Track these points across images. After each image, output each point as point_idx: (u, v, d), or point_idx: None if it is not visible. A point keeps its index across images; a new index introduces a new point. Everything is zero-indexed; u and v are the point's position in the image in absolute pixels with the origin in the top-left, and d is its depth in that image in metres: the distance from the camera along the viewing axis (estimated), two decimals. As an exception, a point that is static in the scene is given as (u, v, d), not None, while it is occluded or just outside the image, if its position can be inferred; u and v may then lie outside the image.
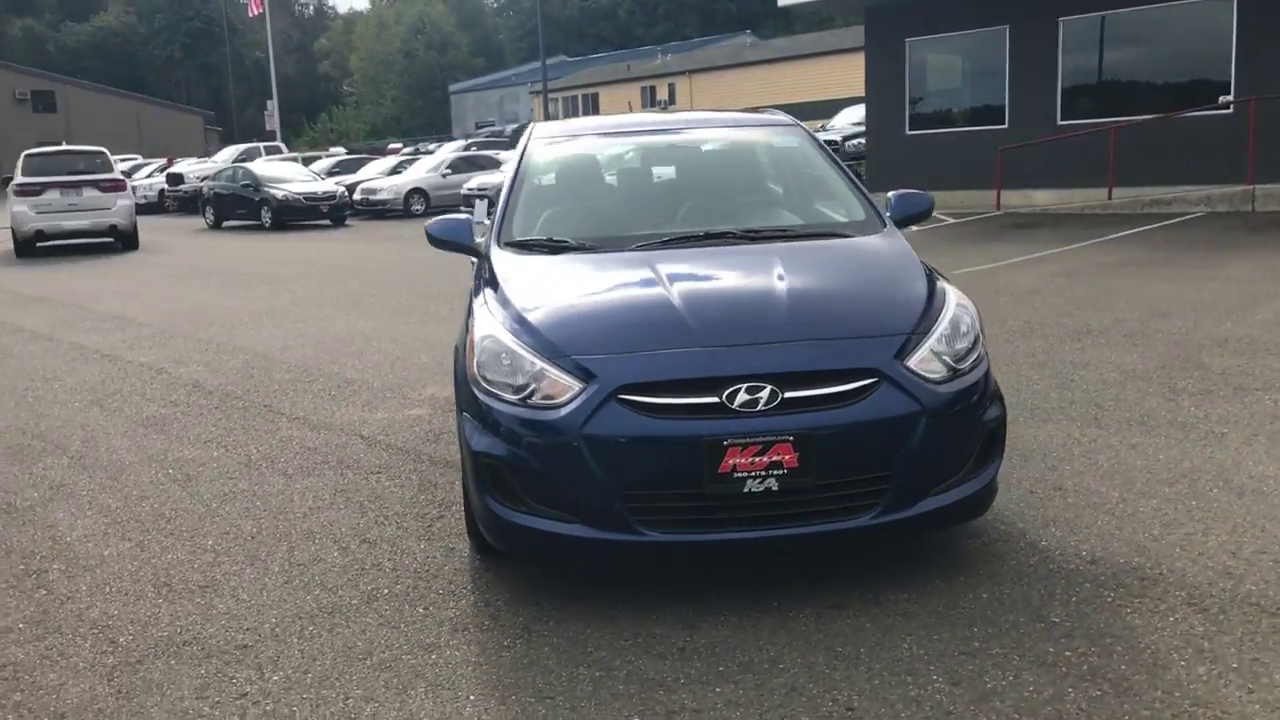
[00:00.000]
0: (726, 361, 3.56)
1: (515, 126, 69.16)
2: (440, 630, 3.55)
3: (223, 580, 4.05)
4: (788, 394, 3.47)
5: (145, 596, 3.93)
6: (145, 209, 29.00)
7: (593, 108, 58.77)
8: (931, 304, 3.92)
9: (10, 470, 5.71)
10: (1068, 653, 3.20)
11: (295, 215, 24.60)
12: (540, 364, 3.61)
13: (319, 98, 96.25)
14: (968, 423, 3.70)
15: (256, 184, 25.18)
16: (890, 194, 4.92)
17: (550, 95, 63.84)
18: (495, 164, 26.91)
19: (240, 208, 25.67)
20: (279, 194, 24.45)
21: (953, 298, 4.00)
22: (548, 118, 62.43)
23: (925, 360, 3.68)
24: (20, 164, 19.05)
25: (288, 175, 26.21)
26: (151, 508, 4.97)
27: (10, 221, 18.88)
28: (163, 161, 37.89)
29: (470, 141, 37.61)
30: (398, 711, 3.04)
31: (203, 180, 28.99)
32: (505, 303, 4.01)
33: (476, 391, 3.71)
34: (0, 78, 61.43)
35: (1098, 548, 3.93)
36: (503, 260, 4.44)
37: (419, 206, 26.97)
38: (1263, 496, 4.38)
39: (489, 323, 3.91)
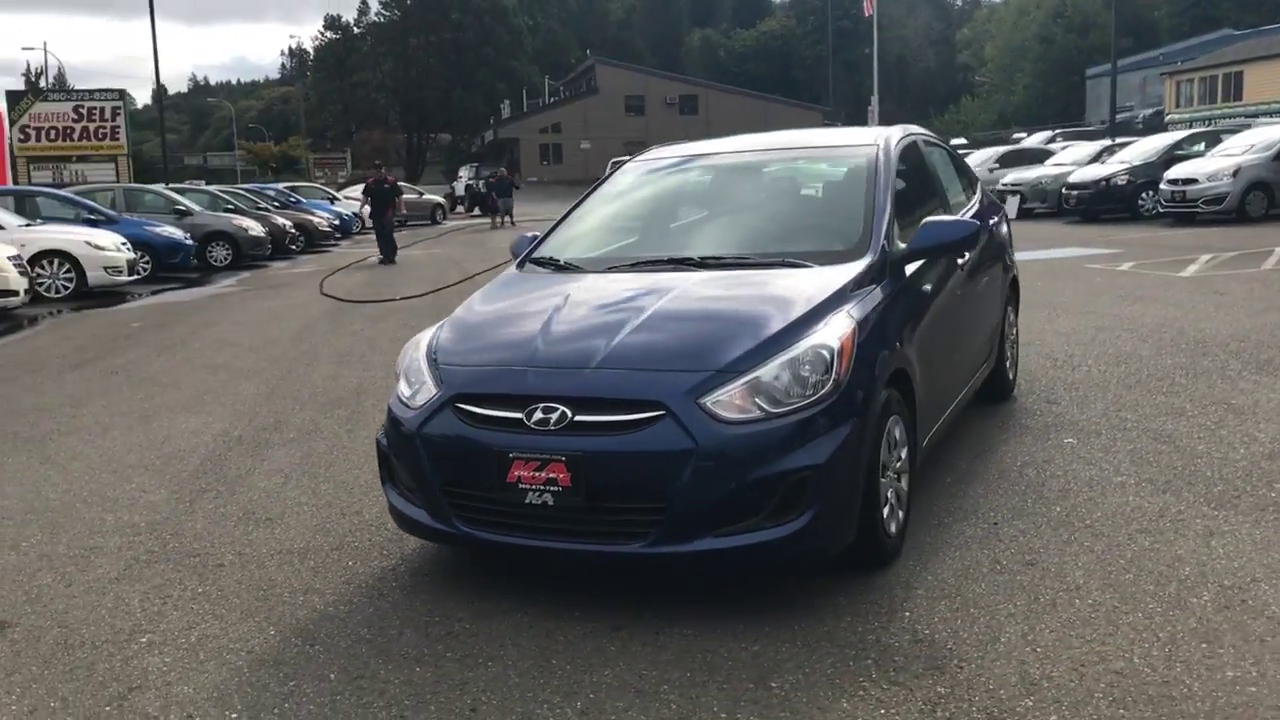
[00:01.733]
0: (538, 382, 3.69)
1: (1152, 111, 63.48)
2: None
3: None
4: (577, 417, 3.52)
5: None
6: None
7: (1235, 90, 51.95)
8: (775, 344, 3.61)
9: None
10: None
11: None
12: (425, 372, 4.01)
13: (955, 89, 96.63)
14: (759, 468, 3.39)
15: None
16: (925, 220, 4.46)
17: (1184, 76, 57.56)
18: (1045, 156, 25.42)
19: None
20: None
21: (818, 340, 3.62)
22: (1179, 103, 56.46)
23: (730, 399, 3.45)
24: (608, 168, 22.62)
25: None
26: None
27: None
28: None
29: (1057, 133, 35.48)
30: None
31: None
32: (452, 315, 4.46)
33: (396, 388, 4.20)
34: (655, 85, 70.91)
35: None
36: (498, 277, 4.83)
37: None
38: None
39: (427, 333, 4.35)
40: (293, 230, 23.50)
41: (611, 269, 4.54)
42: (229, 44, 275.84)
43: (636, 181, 5.52)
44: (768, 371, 3.53)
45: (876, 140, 4.98)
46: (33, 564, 4.42)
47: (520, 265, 4.88)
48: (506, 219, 32.24)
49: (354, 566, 4.24)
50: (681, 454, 3.40)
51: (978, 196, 6.15)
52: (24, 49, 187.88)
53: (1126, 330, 8.39)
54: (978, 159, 27.55)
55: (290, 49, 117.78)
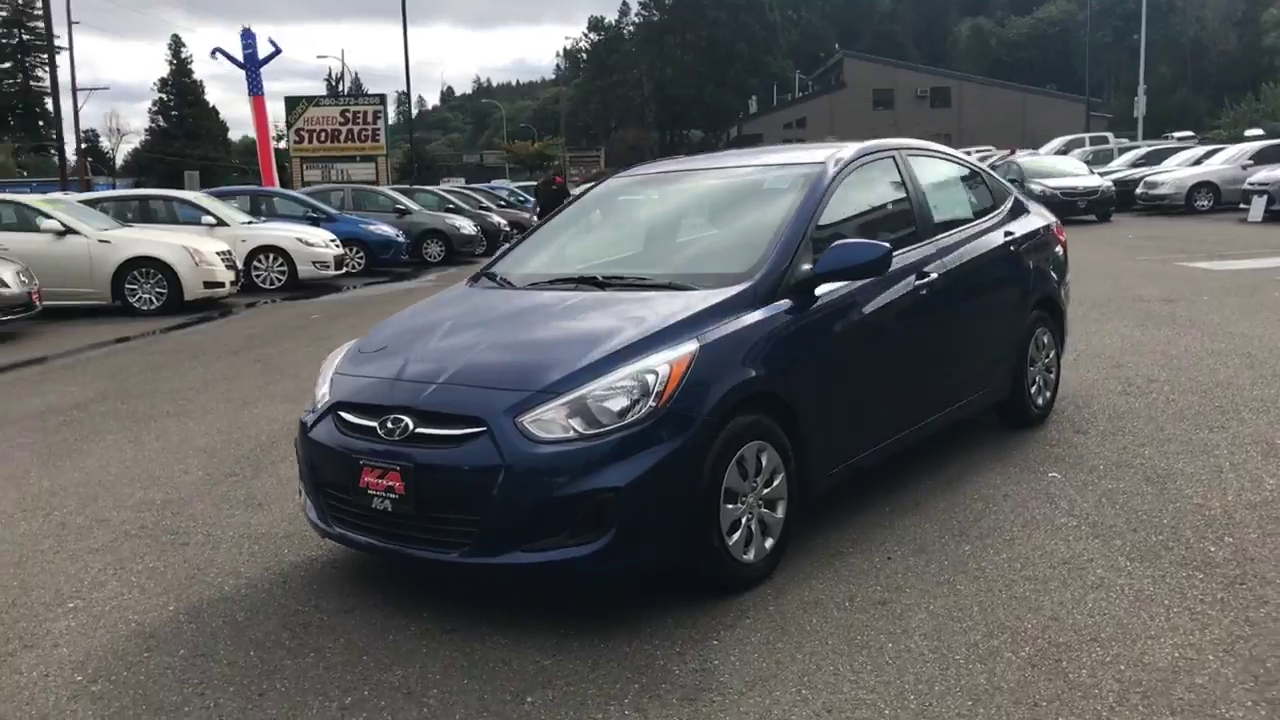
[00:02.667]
0: (394, 393, 3.96)
1: None
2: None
3: None
4: (417, 430, 3.78)
5: None
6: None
7: None
8: (603, 366, 3.71)
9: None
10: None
11: (1052, 210, 24.10)
12: (325, 380, 4.38)
13: (1259, 73, 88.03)
14: (564, 487, 3.52)
15: (1022, 178, 25.22)
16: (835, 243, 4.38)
17: None
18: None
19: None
20: (1037, 189, 24.20)
21: (646, 364, 3.69)
22: None
23: (545, 419, 3.60)
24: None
25: (1060, 169, 25.70)
26: None
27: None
28: (1004, 152, 39.17)
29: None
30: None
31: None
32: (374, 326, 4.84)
33: None
34: (905, 78, 68.88)
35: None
36: (444, 290, 5.13)
37: (1204, 202, 24.38)
38: None
39: (348, 344, 4.72)
40: (507, 228, 24.73)
41: (533, 285, 4.73)
42: (510, 47, 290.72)
43: (601, 196, 5.68)
44: (587, 393, 3.64)
45: (825, 160, 4.90)
46: (45, 531, 5.11)
47: (473, 279, 5.15)
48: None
49: (285, 555, 4.65)
50: (492, 470, 3.57)
51: (996, 216, 5.86)
52: (318, 57, 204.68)
53: (1242, 355, 7.68)
54: (1227, 155, 25.31)
55: (564, 50, 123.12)
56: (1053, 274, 6.19)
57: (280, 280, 16.68)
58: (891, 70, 71.36)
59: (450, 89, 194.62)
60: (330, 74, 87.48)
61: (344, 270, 17.95)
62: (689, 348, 3.80)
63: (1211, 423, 5.89)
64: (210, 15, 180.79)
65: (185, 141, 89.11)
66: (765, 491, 4.00)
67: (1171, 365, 7.45)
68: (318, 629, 3.85)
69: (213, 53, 31.36)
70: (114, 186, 55.64)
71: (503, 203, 29.40)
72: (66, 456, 6.52)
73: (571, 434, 3.58)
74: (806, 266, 4.33)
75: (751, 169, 5.28)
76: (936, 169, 5.63)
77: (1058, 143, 35.78)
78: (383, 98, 38.17)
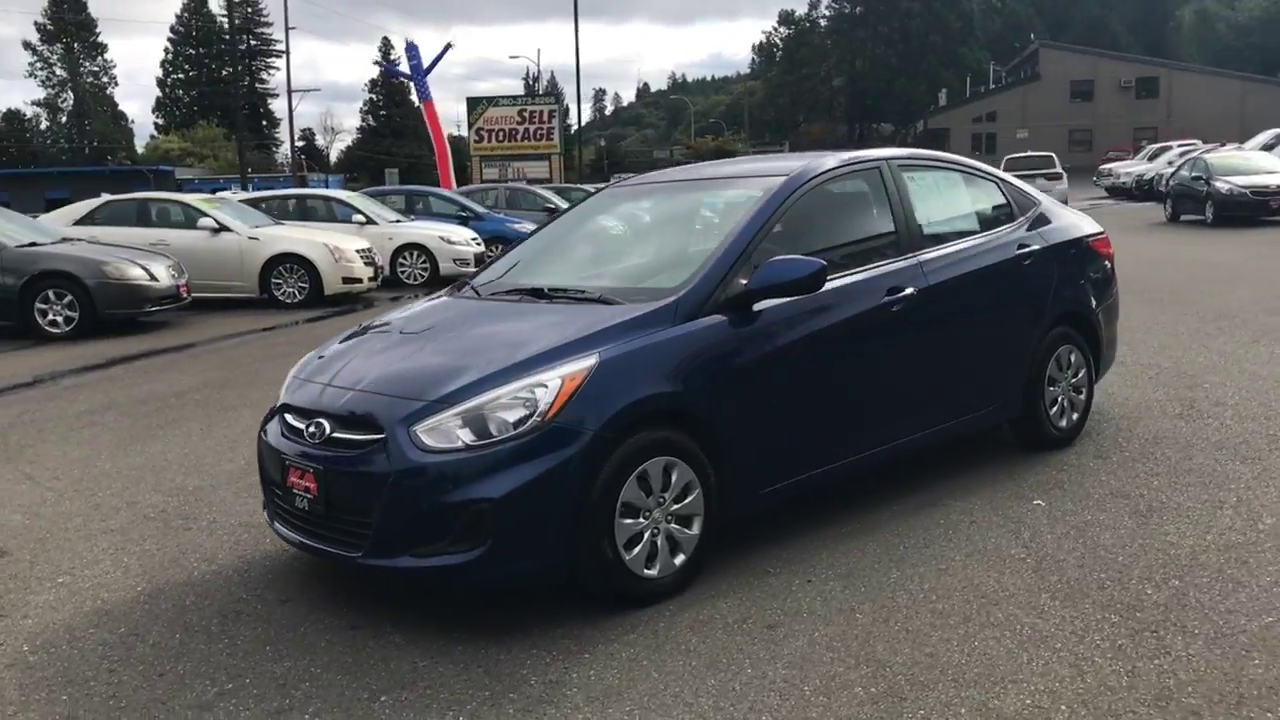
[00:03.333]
0: (321, 398, 4.20)
1: None
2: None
3: None
4: (333, 434, 4.01)
5: None
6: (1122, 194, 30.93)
7: None
8: (500, 378, 3.82)
9: None
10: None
11: (1239, 210, 22.45)
12: (286, 382, 4.67)
13: None
14: (444, 496, 3.65)
15: (1207, 175, 23.57)
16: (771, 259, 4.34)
17: None
18: None
19: (1189, 200, 24.30)
20: (1223, 188, 22.59)
21: (538, 379, 3.78)
22: None
23: (437, 429, 3.75)
24: (1003, 163, 27.92)
25: (1256, 166, 23.83)
26: None
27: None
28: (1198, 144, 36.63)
29: None
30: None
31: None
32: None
33: None
34: (1106, 68, 65.05)
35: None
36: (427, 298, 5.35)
37: None
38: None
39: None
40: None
41: (492, 295, 4.86)
42: (706, 42, 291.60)
43: (590, 206, 5.73)
44: (481, 404, 3.75)
45: (790, 173, 4.83)
46: (80, 510, 5.61)
47: (456, 287, 5.33)
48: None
49: (264, 545, 4.94)
50: (382, 477, 3.75)
51: (1011, 228, 5.61)
52: (511, 57, 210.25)
53: (1338, 379, 7.04)
54: None
55: (758, 45, 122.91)
56: (1086, 289, 5.87)
57: (423, 276, 17.43)
58: (1092, 60, 67.50)
59: (646, 85, 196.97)
60: (528, 73, 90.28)
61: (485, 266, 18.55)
62: (586, 363, 3.86)
63: (1248, 454, 5.47)
64: (421, 18, 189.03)
65: (392, 140, 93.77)
66: (675, 507, 4.02)
67: (1251, 389, 6.91)
68: (246, 618, 4.11)
69: (381, 69, 32.86)
70: (326, 183, 59.23)
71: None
72: (139, 441, 7.10)
73: (459, 444, 3.70)
74: (742, 282, 4.31)
75: (727, 180, 5.24)
76: (935, 181, 5.44)
77: (1265, 136, 33.12)
78: (558, 98, 39.26)
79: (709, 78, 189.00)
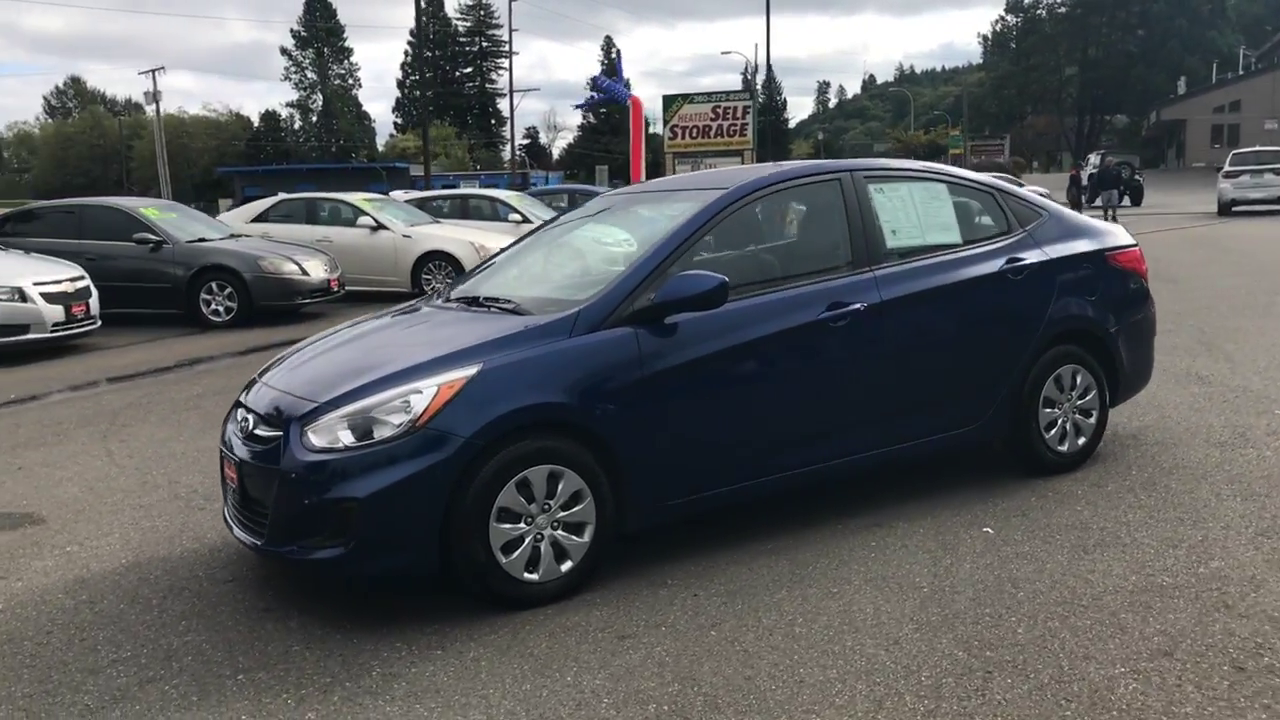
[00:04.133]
0: (254, 395, 4.56)
1: None
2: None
3: None
4: (254, 430, 4.36)
5: None
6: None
7: None
8: (384, 384, 4.04)
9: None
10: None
11: None
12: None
13: None
14: (318, 494, 3.91)
15: None
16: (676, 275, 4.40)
17: None
18: None
19: None
20: None
21: (416, 384, 3.98)
22: None
23: (323, 429, 4.01)
24: (1229, 158, 29.71)
25: None
26: None
27: (1216, 194, 29.41)
28: None
29: None
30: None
31: None
32: None
33: None
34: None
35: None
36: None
37: None
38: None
39: None
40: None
41: (446, 303, 5.09)
42: (936, 32, 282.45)
43: (573, 215, 5.85)
44: (362, 408, 3.98)
45: (730, 186, 4.82)
46: (130, 488, 6.21)
47: (439, 293, 5.59)
48: (1110, 213, 30.14)
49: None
50: (271, 472, 4.06)
51: (1002, 241, 5.36)
52: (723, 53, 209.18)
53: None
54: None
55: (987, 35, 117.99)
56: (1100, 306, 5.52)
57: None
58: (1360, 42, 61.15)
59: (872, 76, 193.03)
60: (746, 67, 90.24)
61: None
62: (467, 372, 4.03)
63: (1256, 491, 5.03)
64: (646, 16, 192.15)
65: (610, 136, 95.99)
66: (563, 515, 4.13)
67: (1328, 416, 6.31)
68: (186, 594, 4.49)
69: (587, 100, 33.42)
70: (546, 180, 61.39)
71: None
72: (214, 428, 7.78)
73: (340, 445, 3.95)
74: (650, 297, 4.37)
75: (686, 193, 5.26)
76: (909, 193, 5.25)
77: None
78: (751, 93, 39.11)
79: (939, 69, 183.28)
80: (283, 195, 16.61)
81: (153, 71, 59.98)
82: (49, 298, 11.08)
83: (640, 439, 4.26)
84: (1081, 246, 5.59)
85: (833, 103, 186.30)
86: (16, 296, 10.86)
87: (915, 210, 5.22)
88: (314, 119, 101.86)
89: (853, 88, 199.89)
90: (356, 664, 3.74)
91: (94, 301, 11.77)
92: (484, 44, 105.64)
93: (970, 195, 5.54)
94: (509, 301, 4.72)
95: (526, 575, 4.08)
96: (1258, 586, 3.95)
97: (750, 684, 3.41)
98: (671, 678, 3.48)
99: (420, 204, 18.24)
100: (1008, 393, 5.24)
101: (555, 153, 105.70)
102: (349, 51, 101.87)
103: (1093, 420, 5.57)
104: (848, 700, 3.27)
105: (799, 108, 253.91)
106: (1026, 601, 3.92)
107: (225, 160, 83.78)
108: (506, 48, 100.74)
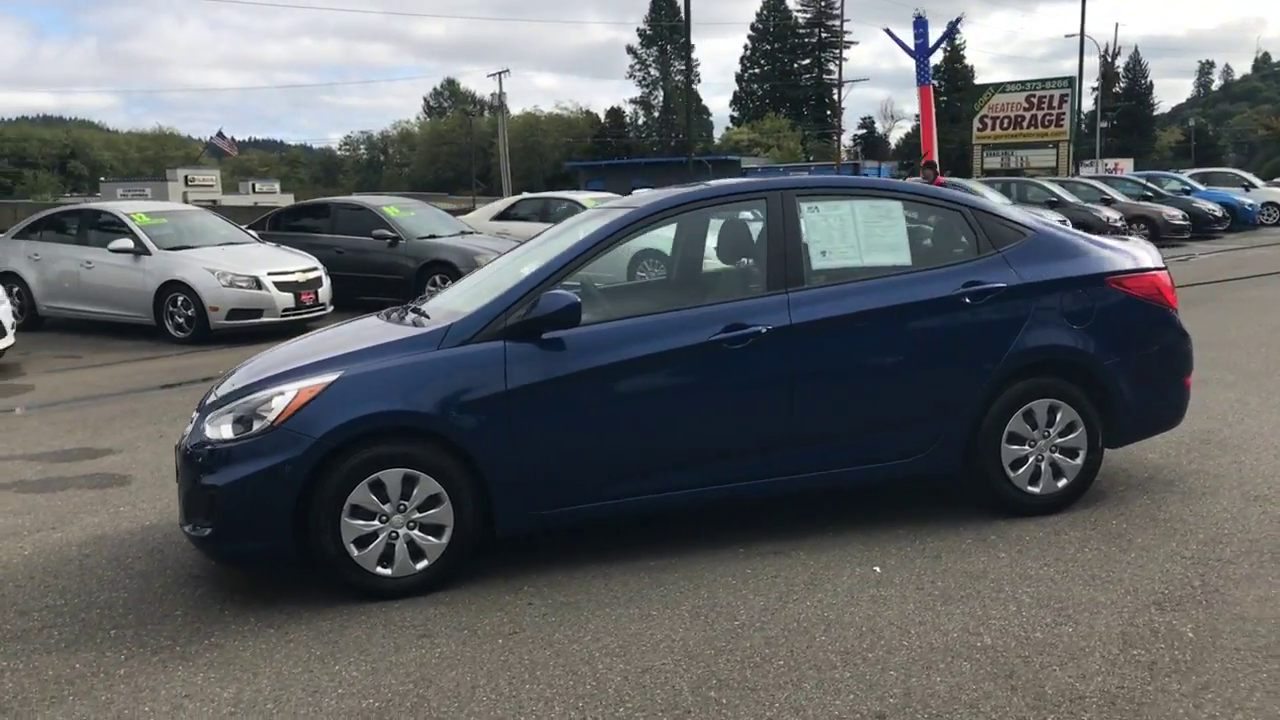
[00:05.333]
0: (213, 389, 5.15)
1: None
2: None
3: None
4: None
5: None
6: None
7: None
8: (266, 384, 4.51)
9: None
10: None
11: None
12: None
13: None
14: (197, 480, 4.42)
15: None
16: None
17: None
18: None
19: None
20: None
21: (280, 387, 4.42)
22: None
23: (216, 422, 4.52)
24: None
25: None
26: None
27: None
28: None
29: None
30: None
31: None
32: None
33: None
34: None
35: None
36: None
37: None
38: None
39: None
40: (1121, 223, 22.72)
41: (404, 310, 5.46)
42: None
43: (563, 224, 5.99)
44: (244, 405, 4.45)
45: (636, 206, 4.86)
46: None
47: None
48: None
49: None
50: (178, 456, 4.64)
51: (962, 264, 5.01)
52: (1067, 36, 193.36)
53: None
54: None
55: None
56: (1090, 335, 5.01)
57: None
58: None
59: (1265, 55, 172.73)
60: (1105, 48, 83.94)
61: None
62: (327, 378, 4.40)
63: (1226, 557, 4.42)
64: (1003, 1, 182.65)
65: (949, 125, 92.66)
66: (419, 516, 4.42)
67: None
68: (137, 567, 4.96)
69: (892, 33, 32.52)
70: (878, 171, 60.52)
71: (1150, 194, 26.67)
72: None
73: (223, 437, 4.45)
74: (522, 312, 4.54)
75: (612, 210, 5.30)
76: (851, 211, 5.01)
77: None
78: (1071, 81, 36.51)
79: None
80: (524, 195, 17.73)
81: (499, 74, 64.93)
82: (281, 286, 12.62)
83: (506, 449, 4.45)
84: (1072, 269, 5.10)
85: (1216, 84, 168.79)
86: (254, 284, 12.46)
87: (855, 230, 5.00)
88: (655, 115, 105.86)
89: (1241, 68, 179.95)
90: (200, 633, 4.17)
91: (324, 290, 13.23)
92: (823, 35, 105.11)
93: (933, 214, 5.22)
94: (426, 315, 5.04)
95: (379, 569, 4.40)
96: (1041, 669, 3.56)
97: (477, 700, 3.56)
98: (411, 682, 3.67)
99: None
100: (958, 426, 4.91)
101: (893, 142, 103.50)
102: (691, 47, 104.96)
103: (1078, 461, 5.08)
104: (532, 721, 3.35)
105: (1172, 91, 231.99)
106: (810, 650, 3.76)
107: (574, 155, 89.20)
108: (845, 37, 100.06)
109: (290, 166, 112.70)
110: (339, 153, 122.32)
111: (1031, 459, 5.02)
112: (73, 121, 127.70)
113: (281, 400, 4.38)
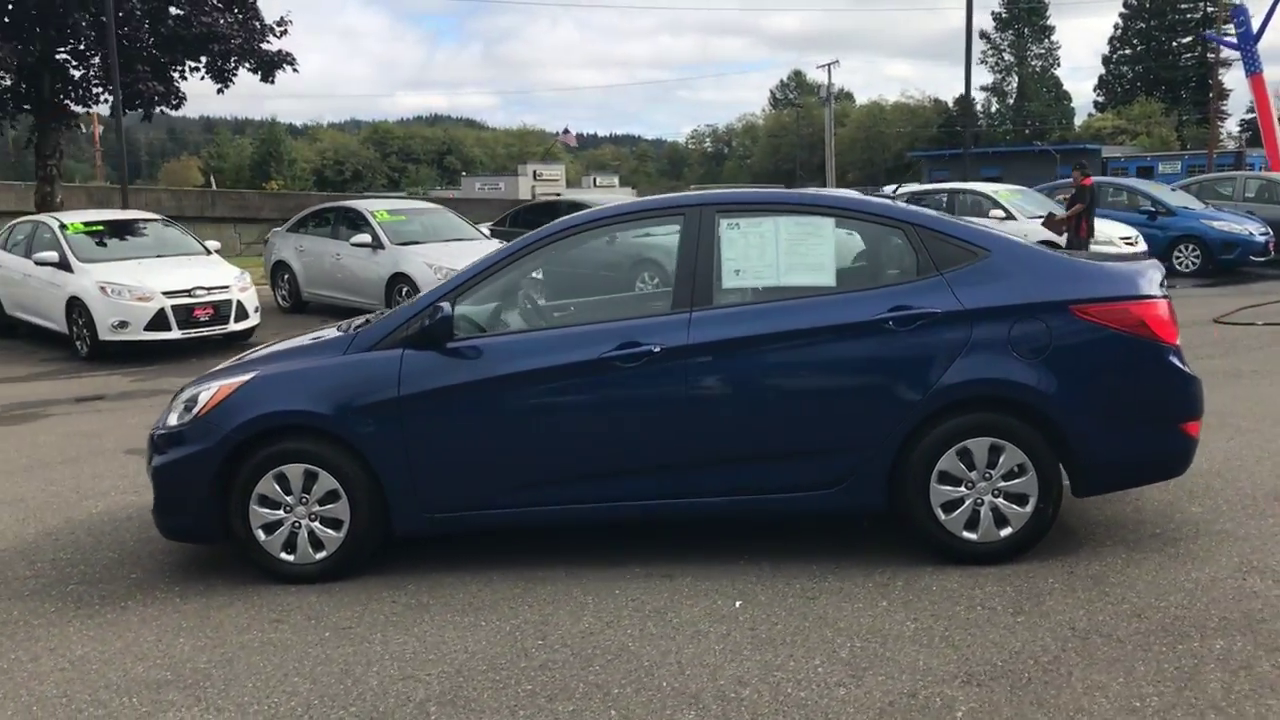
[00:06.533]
0: None
1: None
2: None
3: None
4: None
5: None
6: None
7: None
8: (209, 378, 5.03)
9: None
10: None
11: None
12: None
13: None
14: (150, 458, 4.97)
15: None
16: None
17: None
18: None
19: None
20: None
21: (206, 384, 4.92)
22: None
23: (173, 409, 5.05)
24: None
25: None
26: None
27: None
28: None
29: None
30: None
31: None
32: None
33: None
34: None
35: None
36: None
37: None
38: None
39: None
40: None
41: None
42: None
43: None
44: (189, 396, 4.95)
45: (555, 221, 4.87)
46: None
47: None
48: None
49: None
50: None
51: (894, 287, 4.63)
52: None
53: None
54: None
55: None
56: (1047, 369, 4.44)
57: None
58: None
59: None
60: None
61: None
62: (243, 377, 4.82)
63: (1088, 629, 3.82)
64: None
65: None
66: (319, 509, 4.74)
67: None
68: (102, 544, 5.52)
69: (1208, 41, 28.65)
70: (1253, 165, 54.10)
71: None
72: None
73: (168, 424, 4.96)
74: (421, 323, 4.72)
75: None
76: (774, 229, 4.71)
77: None
78: None
79: None
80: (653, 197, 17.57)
81: (828, 65, 64.28)
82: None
83: (396, 452, 4.67)
84: (1027, 294, 4.55)
85: None
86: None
87: (776, 248, 4.73)
88: (1009, 101, 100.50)
89: None
90: (134, 594, 4.75)
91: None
92: (1208, 9, 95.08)
93: (871, 232, 4.83)
94: (365, 316, 5.36)
95: (283, 555, 4.78)
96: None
97: (271, 698, 3.83)
98: (225, 659, 4.01)
99: (915, 197, 17.98)
100: (877, 460, 4.55)
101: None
102: (1050, 30, 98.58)
103: (1027, 509, 4.54)
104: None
105: None
106: (579, 676, 3.70)
107: (917, 145, 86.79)
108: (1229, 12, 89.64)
109: (640, 161, 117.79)
110: (686, 146, 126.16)
111: (968, 502, 4.55)
112: (457, 120, 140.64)
113: (205, 395, 4.85)
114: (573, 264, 5.27)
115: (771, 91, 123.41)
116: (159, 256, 13.00)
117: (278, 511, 4.77)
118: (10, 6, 17.64)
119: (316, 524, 4.77)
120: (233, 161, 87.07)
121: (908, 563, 4.61)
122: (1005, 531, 4.57)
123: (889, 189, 16.36)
